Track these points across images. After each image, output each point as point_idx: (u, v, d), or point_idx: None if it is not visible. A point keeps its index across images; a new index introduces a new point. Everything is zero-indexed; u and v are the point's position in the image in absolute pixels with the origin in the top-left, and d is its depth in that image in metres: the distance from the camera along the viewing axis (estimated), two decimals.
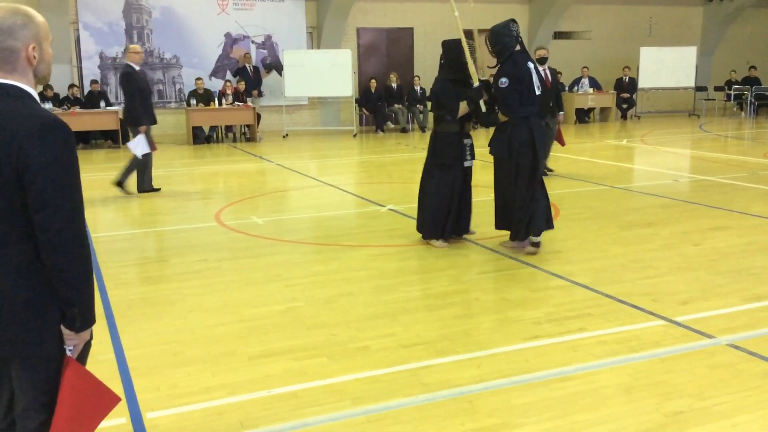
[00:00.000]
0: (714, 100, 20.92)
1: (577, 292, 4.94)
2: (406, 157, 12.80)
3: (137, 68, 9.02)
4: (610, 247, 6.19)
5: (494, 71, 6.00)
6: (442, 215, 6.20)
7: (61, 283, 2.04)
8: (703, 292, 4.93)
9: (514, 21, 6.03)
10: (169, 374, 3.72)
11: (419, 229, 6.37)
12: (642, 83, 19.12)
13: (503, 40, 5.88)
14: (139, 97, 8.91)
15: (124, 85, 9.01)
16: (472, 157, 6.29)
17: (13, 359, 2.11)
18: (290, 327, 4.40)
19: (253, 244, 6.59)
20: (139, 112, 8.93)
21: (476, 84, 5.93)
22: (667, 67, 19.10)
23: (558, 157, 11.92)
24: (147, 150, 9.01)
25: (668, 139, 14.73)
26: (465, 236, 6.53)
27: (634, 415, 3.21)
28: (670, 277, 5.29)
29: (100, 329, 4.37)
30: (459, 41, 6.04)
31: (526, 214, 5.87)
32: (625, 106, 19.17)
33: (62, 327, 2.10)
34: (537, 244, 5.96)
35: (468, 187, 6.35)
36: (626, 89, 19.09)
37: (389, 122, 17.46)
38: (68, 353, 2.15)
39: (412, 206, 7.79)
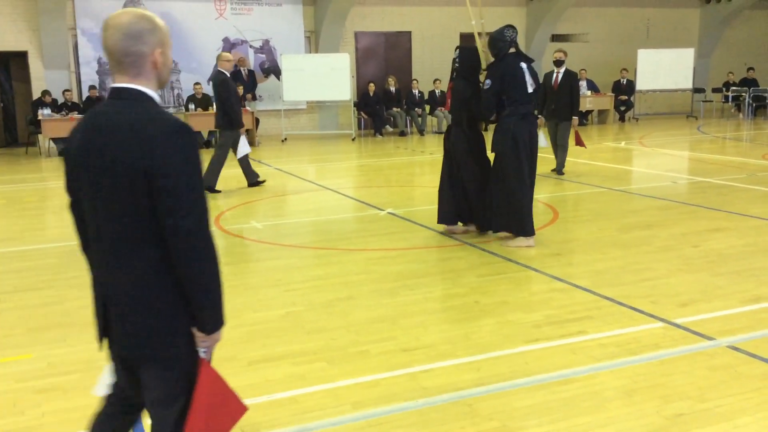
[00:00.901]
0: (712, 101, 20.95)
1: (576, 295, 4.94)
2: (405, 160, 12.81)
3: (227, 73, 9.61)
4: (609, 249, 6.19)
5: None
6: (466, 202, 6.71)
7: (192, 286, 2.02)
8: (702, 293, 4.93)
9: (510, 27, 6.39)
10: None
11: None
12: (640, 85, 19.15)
13: (498, 44, 6.32)
14: (234, 101, 9.52)
15: (221, 91, 9.50)
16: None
17: (144, 360, 2.10)
18: (290, 331, 4.40)
19: (253, 249, 6.59)
20: (238, 115, 9.57)
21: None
22: (664, 69, 19.14)
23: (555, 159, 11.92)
24: (248, 149, 9.76)
25: (666, 141, 14.75)
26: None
27: (634, 418, 3.21)
28: (669, 279, 5.29)
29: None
30: (475, 48, 6.58)
31: (530, 208, 6.23)
32: (623, 108, 19.20)
33: (194, 330, 2.09)
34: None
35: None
36: (624, 91, 19.12)
37: (388, 126, 17.48)
38: (202, 355, 2.14)
39: (411, 210, 7.80)
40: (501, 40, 6.29)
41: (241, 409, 2.27)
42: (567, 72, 10.16)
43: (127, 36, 2.00)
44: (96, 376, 3.76)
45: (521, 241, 6.28)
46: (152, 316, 2.04)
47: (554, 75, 10.20)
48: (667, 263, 5.69)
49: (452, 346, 4.07)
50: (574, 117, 10.15)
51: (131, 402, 2.32)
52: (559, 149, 10.35)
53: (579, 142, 10.40)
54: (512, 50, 6.32)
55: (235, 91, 9.71)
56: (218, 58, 9.70)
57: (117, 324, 2.09)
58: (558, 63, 10.16)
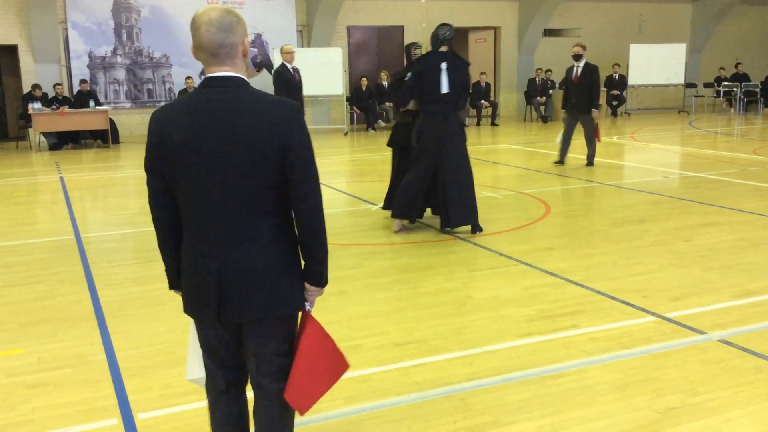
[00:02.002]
0: (703, 96, 21.02)
1: (568, 289, 4.95)
2: None
3: (289, 66, 10.02)
4: (601, 243, 6.20)
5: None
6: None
7: (315, 245, 2.28)
8: (694, 288, 4.95)
9: (444, 25, 6.51)
10: (161, 374, 3.70)
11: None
12: (632, 80, 19.19)
13: (432, 41, 6.48)
14: (285, 93, 9.85)
15: (274, 82, 10.14)
16: None
17: (271, 318, 2.30)
18: None
19: None
20: None
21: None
22: (656, 64, 19.18)
23: (549, 155, 11.95)
24: None
25: (658, 135, 14.78)
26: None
27: (626, 412, 3.21)
28: (661, 273, 5.30)
29: (90, 330, 4.35)
30: (410, 44, 7.01)
31: (414, 197, 6.51)
32: (615, 103, 19.24)
33: (306, 284, 2.33)
34: (401, 229, 6.66)
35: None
36: (616, 86, 19.16)
37: (380, 120, 17.45)
38: (308, 308, 2.36)
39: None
40: (434, 37, 6.42)
41: (344, 365, 2.44)
42: (586, 65, 10.37)
43: (220, 29, 2.17)
44: (86, 371, 3.75)
45: (396, 224, 6.69)
46: (279, 276, 2.26)
47: (574, 69, 10.38)
48: (658, 258, 5.70)
49: (445, 341, 4.07)
50: (593, 110, 10.27)
51: (238, 375, 2.46)
52: (586, 142, 10.56)
53: (596, 135, 10.55)
54: (444, 48, 6.39)
55: (288, 84, 10.09)
56: (281, 50, 10.32)
57: (243, 292, 2.24)
58: (576, 57, 10.38)
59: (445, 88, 6.32)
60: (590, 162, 10.56)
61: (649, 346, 3.94)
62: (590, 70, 10.36)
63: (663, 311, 4.46)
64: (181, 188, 2.22)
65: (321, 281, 2.34)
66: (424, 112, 6.46)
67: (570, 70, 10.61)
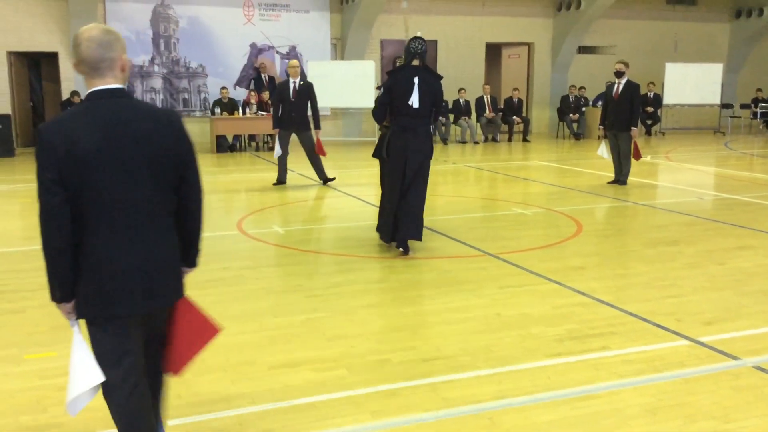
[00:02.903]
0: (740, 117, 20.71)
1: (600, 310, 4.89)
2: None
3: (291, 80, 10.28)
4: (633, 264, 6.13)
5: None
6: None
7: (199, 234, 2.69)
8: (728, 312, 4.86)
9: (416, 38, 6.53)
10: (190, 381, 3.73)
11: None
12: (667, 99, 18.98)
13: (404, 54, 6.54)
14: (278, 105, 10.34)
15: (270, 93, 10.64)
16: None
17: (172, 303, 2.64)
18: (310, 337, 4.40)
19: (275, 254, 6.61)
20: (275, 116, 10.40)
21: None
22: (692, 83, 18.96)
23: (581, 173, 11.87)
24: (278, 152, 10.39)
25: (693, 156, 14.59)
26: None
27: None
28: (694, 296, 5.22)
29: None
30: (397, 57, 6.77)
31: (391, 215, 6.44)
32: (649, 121, 19.03)
33: (184, 268, 2.68)
34: (405, 250, 6.42)
35: None
36: (651, 105, 18.96)
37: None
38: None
39: (434, 219, 7.78)
40: (406, 50, 6.47)
41: (212, 330, 2.76)
42: (628, 83, 10.31)
43: (100, 45, 2.42)
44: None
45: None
46: (177, 265, 2.62)
47: (615, 86, 10.34)
48: (692, 280, 5.62)
49: (473, 358, 4.05)
50: (633, 128, 10.21)
51: (142, 364, 2.64)
52: (623, 159, 10.44)
53: (635, 154, 10.44)
54: (415, 62, 6.36)
55: (281, 96, 10.35)
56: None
57: (160, 282, 2.54)
58: (619, 74, 10.35)
59: (415, 102, 6.25)
60: (624, 180, 10.45)
61: (681, 370, 3.87)
62: (632, 87, 10.29)
63: (696, 335, 4.39)
64: (90, 194, 2.38)
65: (195, 262, 2.74)
66: (394, 126, 6.37)
67: (610, 86, 10.55)
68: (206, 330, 2.75)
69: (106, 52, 2.43)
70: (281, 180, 10.58)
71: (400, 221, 6.37)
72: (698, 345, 4.24)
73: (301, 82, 10.39)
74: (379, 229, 6.72)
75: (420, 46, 6.41)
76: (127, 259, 2.45)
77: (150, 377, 2.68)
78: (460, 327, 4.58)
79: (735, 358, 4.04)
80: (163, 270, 2.54)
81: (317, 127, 10.53)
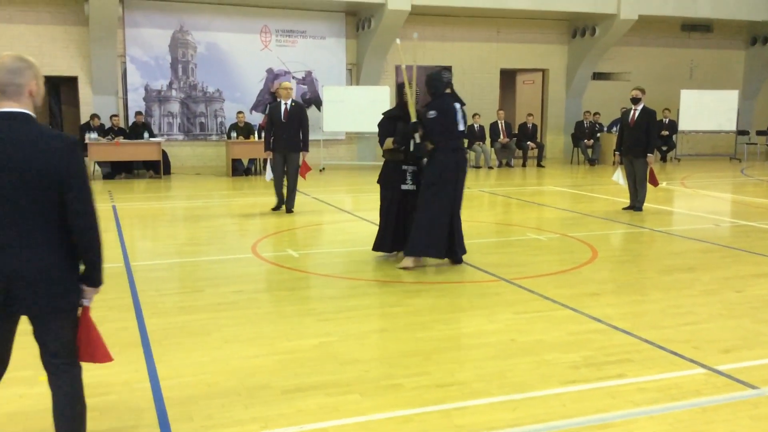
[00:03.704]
0: (756, 144, 20.60)
1: (615, 337, 4.85)
2: None
3: (282, 102, 10.25)
4: (649, 291, 6.08)
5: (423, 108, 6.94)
6: (386, 231, 7.08)
7: (89, 253, 2.82)
8: (745, 340, 4.80)
9: (447, 69, 7.09)
10: (203, 405, 3.73)
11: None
12: (682, 126, 18.93)
13: (435, 84, 6.83)
14: (270, 126, 10.23)
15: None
16: (414, 183, 6.97)
17: (45, 313, 2.80)
18: (324, 361, 4.39)
19: (288, 277, 6.62)
20: (267, 139, 10.30)
21: (413, 120, 6.83)
22: (708, 110, 18.91)
23: (596, 199, 11.83)
24: (270, 176, 10.32)
25: (709, 182, 14.51)
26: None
27: None
28: (711, 324, 5.17)
29: (136, 357, 4.42)
30: (401, 84, 7.09)
31: (445, 233, 6.70)
32: (664, 148, 18.97)
33: (83, 286, 2.86)
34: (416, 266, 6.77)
35: (409, 208, 6.94)
36: (666, 131, 18.90)
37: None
38: (86, 304, 2.91)
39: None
40: (438, 80, 6.80)
41: (106, 356, 3.02)
42: (644, 110, 10.30)
43: (8, 72, 2.71)
44: (131, 398, 3.80)
45: (413, 261, 6.76)
46: (60, 276, 2.78)
47: (631, 112, 10.34)
48: (709, 308, 5.56)
49: (487, 384, 4.02)
50: (649, 155, 10.20)
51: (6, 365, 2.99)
52: (638, 186, 10.40)
53: (652, 180, 10.39)
54: (447, 91, 6.84)
55: (272, 119, 10.23)
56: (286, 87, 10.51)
57: (27, 290, 2.73)
58: (635, 100, 10.36)
59: (461, 125, 6.78)
60: (639, 207, 10.40)
61: (698, 399, 3.82)
62: (648, 114, 10.28)
63: (713, 363, 4.34)
64: None
65: (96, 283, 2.88)
66: (446, 149, 6.70)
67: (627, 112, 10.54)
68: (99, 351, 3.00)
69: (15, 77, 2.71)
70: (279, 205, 10.37)
71: (456, 237, 6.82)
72: (715, 373, 4.18)
73: (293, 104, 10.26)
74: (414, 245, 6.72)
75: (450, 76, 6.96)
76: None
77: (51, 372, 2.94)
78: (474, 353, 4.55)
79: (753, 387, 3.99)
80: (34, 278, 2.72)
81: (305, 149, 10.36)
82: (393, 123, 7.03)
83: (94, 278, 2.87)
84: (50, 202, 2.70)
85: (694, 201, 11.98)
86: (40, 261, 2.72)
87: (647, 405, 3.74)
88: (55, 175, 2.67)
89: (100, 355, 2.99)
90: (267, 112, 10.58)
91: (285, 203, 10.36)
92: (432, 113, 6.67)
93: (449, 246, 6.81)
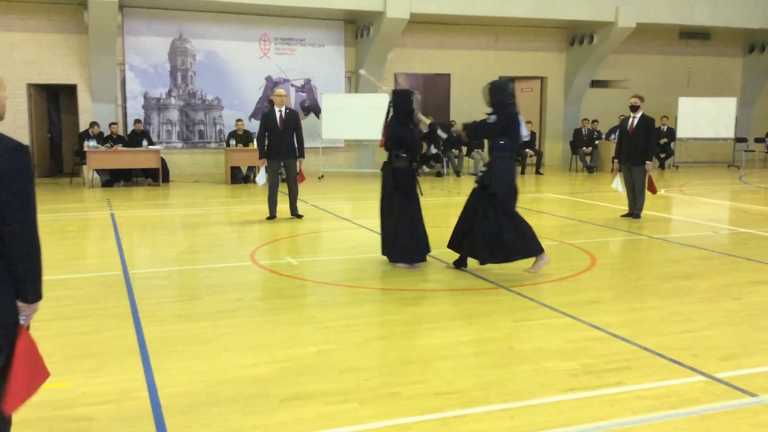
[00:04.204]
0: (754, 151, 20.64)
1: (614, 344, 4.84)
2: (441, 201, 12.82)
3: (277, 109, 10.23)
4: (648, 298, 6.08)
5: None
6: (423, 239, 7.17)
7: (20, 265, 2.60)
8: (744, 347, 4.80)
9: (512, 80, 7.13)
10: (201, 413, 3.72)
11: (401, 256, 7.12)
12: (680, 133, 18.97)
13: (501, 95, 6.83)
14: (263, 135, 10.22)
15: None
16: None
17: None
18: (322, 370, 4.38)
19: (287, 285, 6.62)
20: (261, 147, 10.26)
21: (427, 125, 7.27)
22: (706, 117, 18.95)
23: (595, 206, 11.84)
24: (263, 181, 10.37)
25: (707, 189, 14.53)
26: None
27: None
28: (710, 331, 5.16)
29: (134, 366, 4.41)
30: (408, 92, 7.20)
31: (513, 237, 6.69)
32: (662, 155, 19.00)
33: (17, 301, 2.64)
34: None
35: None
36: (664, 138, 18.94)
37: (424, 166, 17.53)
38: (22, 322, 2.67)
39: (446, 250, 7.77)
40: (504, 90, 6.86)
41: (44, 374, 2.73)
42: (643, 117, 10.32)
43: None
44: (129, 407, 3.79)
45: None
46: None
47: (630, 120, 10.35)
48: (707, 315, 5.56)
49: (485, 392, 4.01)
50: (647, 162, 10.22)
51: None
52: (636, 193, 10.42)
53: (650, 188, 10.40)
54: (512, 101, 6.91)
55: (268, 126, 10.20)
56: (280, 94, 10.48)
57: None
58: (634, 108, 10.38)
59: (523, 137, 7.04)
60: (638, 214, 10.41)
61: (697, 406, 3.82)
62: (647, 121, 10.30)
63: (712, 371, 4.33)
64: None
65: (28, 298, 2.65)
66: (509, 159, 6.80)
67: (625, 120, 10.56)
68: (41, 372, 2.72)
69: None
70: (274, 215, 10.31)
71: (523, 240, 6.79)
72: (714, 381, 4.18)
73: (287, 111, 10.25)
74: (499, 254, 6.74)
75: (514, 87, 7.12)
76: None
77: None
78: (472, 360, 4.55)
79: (752, 394, 3.98)
80: None
81: (301, 155, 10.31)
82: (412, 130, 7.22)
83: (25, 293, 2.64)
84: None
85: (692, 208, 11.99)
86: None
87: (646, 413, 3.73)
88: None
89: (40, 375, 2.72)
90: (261, 119, 10.53)
91: (290, 209, 10.40)
92: (493, 118, 6.73)
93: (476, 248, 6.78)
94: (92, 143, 14.39)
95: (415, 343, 4.89)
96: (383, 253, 7.32)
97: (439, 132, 7.26)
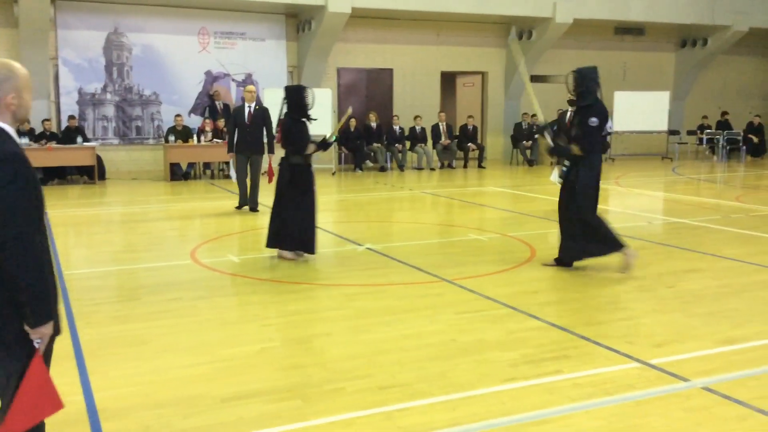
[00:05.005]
0: (687, 144, 21.31)
1: (553, 334, 4.94)
2: (385, 196, 12.84)
3: (246, 105, 10.45)
4: (586, 288, 6.22)
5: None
6: (314, 230, 7.26)
7: (13, 287, 2.41)
8: (677, 334, 4.96)
9: (597, 68, 6.78)
10: (140, 416, 3.64)
11: (301, 245, 7.24)
12: (616, 126, 19.45)
13: (588, 83, 6.58)
14: (233, 129, 10.44)
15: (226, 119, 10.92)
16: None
17: None
18: (265, 368, 4.34)
19: (229, 283, 6.53)
20: (230, 141, 10.51)
21: (332, 138, 7.58)
22: (640, 111, 19.47)
23: (535, 198, 12.05)
24: (233, 175, 10.71)
25: (642, 181, 14.95)
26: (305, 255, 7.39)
27: None
28: (645, 318, 5.32)
29: (68, 370, 4.29)
30: (301, 87, 7.26)
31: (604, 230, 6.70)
32: None
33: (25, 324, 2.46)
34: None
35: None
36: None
37: (368, 161, 17.55)
38: (36, 345, 2.50)
39: (390, 245, 7.81)
40: (593, 80, 6.60)
41: (57, 405, 2.58)
42: None
43: None
44: (63, 412, 3.66)
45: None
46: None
47: (568, 114, 10.55)
48: (642, 303, 5.72)
49: (428, 385, 4.04)
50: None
51: None
52: None
53: None
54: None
55: (236, 121, 10.44)
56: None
57: None
58: (572, 102, 10.50)
59: (609, 126, 6.87)
60: None
61: (632, 392, 3.93)
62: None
63: (647, 357, 4.46)
64: None
65: (30, 322, 2.45)
66: (599, 153, 6.76)
67: (563, 114, 10.77)
68: (49, 402, 2.58)
69: None
70: (242, 205, 10.61)
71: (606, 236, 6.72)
72: (649, 367, 4.31)
73: (257, 107, 10.43)
74: (581, 253, 6.80)
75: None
76: None
77: None
78: (416, 354, 4.58)
79: (685, 379, 4.12)
80: None
81: (271, 151, 10.48)
82: (303, 125, 7.24)
83: (26, 316, 2.44)
84: None
85: (627, 199, 12.32)
86: None
87: (583, 400, 3.82)
88: None
89: (51, 405, 2.58)
90: (231, 114, 10.87)
91: (249, 202, 10.57)
92: (594, 120, 6.49)
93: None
94: (24, 141, 13.90)
95: (359, 338, 4.89)
96: (270, 245, 7.32)
97: (547, 138, 7.09)
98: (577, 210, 6.68)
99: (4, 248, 2.37)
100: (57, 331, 2.62)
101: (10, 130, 2.52)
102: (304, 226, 7.20)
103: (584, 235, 6.72)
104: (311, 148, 7.23)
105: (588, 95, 6.59)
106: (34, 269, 2.42)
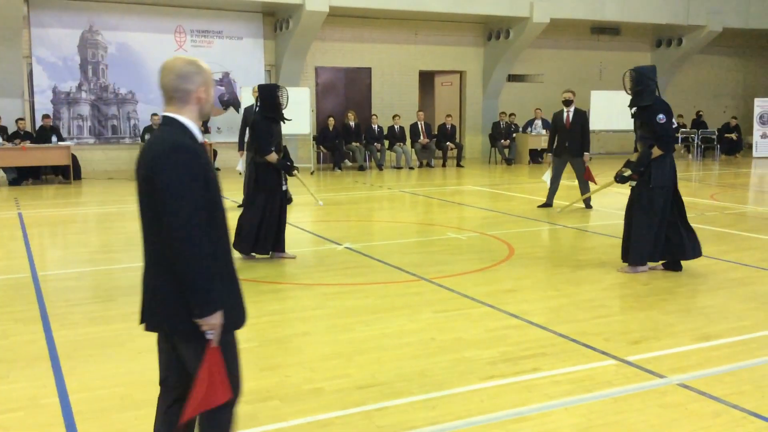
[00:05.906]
0: None
1: (531, 332, 4.97)
2: (363, 195, 12.83)
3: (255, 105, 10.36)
4: (563, 286, 6.26)
5: None
6: (261, 232, 7.09)
7: (179, 273, 2.46)
8: (653, 331, 5.00)
9: (656, 67, 6.74)
10: (115, 419, 3.60)
11: (257, 246, 7.15)
12: (593, 125, 19.56)
13: (647, 82, 6.58)
14: (244, 128, 10.51)
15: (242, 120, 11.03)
16: (286, 182, 7.31)
17: (173, 335, 2.61)
18: (243, 368, 4.28)
19: None
20: (241, 140, 10.64)
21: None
22: (617, 109, 19.57)
23: (513, 197, 12.11)
24: (242, 169, 10.47)
25: None
26: (284, 256, 7.31)
27: None
28: (621, 316, 5.36)
29: (44, 371, 4.23)
30: (275, 86, 7.20)
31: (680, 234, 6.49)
32: None
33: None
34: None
35: (285, 208, 7.29)
36: None
37: (347, 160, 17.53)
38: (209, 337, 2.52)
39: (369, 244, 7.80)
40: (651, 79, 6.59)
41: (226, 394, 2.58)
42: (577, 111, 10.74)
43: (178, 77, 2.55)
44: (38, 414, 3.62)
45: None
46: (174, 296, 2.52)
47: (565, 114, 10.64)
48: (619, 300, 5.77)
49: (408, 384, 4.04)
50: (585, 153, 10.66)
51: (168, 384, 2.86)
52: (580, 184, 10.81)
53: (588, 177, 10.71)
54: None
55: (245, 121, 10.56)
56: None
57: (154, 308, 2.61)
58: (567, 102, 10.71)
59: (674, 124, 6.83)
60: (589, 204, 10.71)
61: (610, 389, 3.96)
62: (581, 114, 10.76)
63: (624, 354, 4.50)
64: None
65: (195, 312, 2.47)
66: (672, 151, 6.58)
67: (560, 114, 10.84)
68: (218, 391, 2.57)
69: (182, 83, 2.56)
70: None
71: (687, 238, 6.53)
72: (626, 364, 4.34)
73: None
74: (643, 254, 6.55)
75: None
76: (143, 278, 2.67)
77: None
78: (395, 353, 4.57)
79: (661, 376, 4.16)
80: (152, 296, 2.60)
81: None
82: (272, 124, 7.18)
83: (192, 306, 2.47)
84: (156, 213, 2.47)
85: (604, 198, 12.40)
86: (154, 275, 2.57)
87: (562, 397, 3.85)
88: (152, 181, 2.45)
89: (212, 398, 2.57)
90: (242, 114, 11.03)
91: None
92: (661, 117, 6.40)
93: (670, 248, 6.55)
94: None
95: (338, 338, 4.88)
96: (236, 246, 7.08)
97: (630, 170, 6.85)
98: (644, 212, 6.52)
99: (170, 237, 2.42)
100: (234, 323, 2.67)
101: (192, 126, 2.58)
102: (262, 226, 7.05)
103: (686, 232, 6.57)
104: (273, 156, 7.05)
105: (647, 95, 6.53)
106: (192, 260, 2.42)
